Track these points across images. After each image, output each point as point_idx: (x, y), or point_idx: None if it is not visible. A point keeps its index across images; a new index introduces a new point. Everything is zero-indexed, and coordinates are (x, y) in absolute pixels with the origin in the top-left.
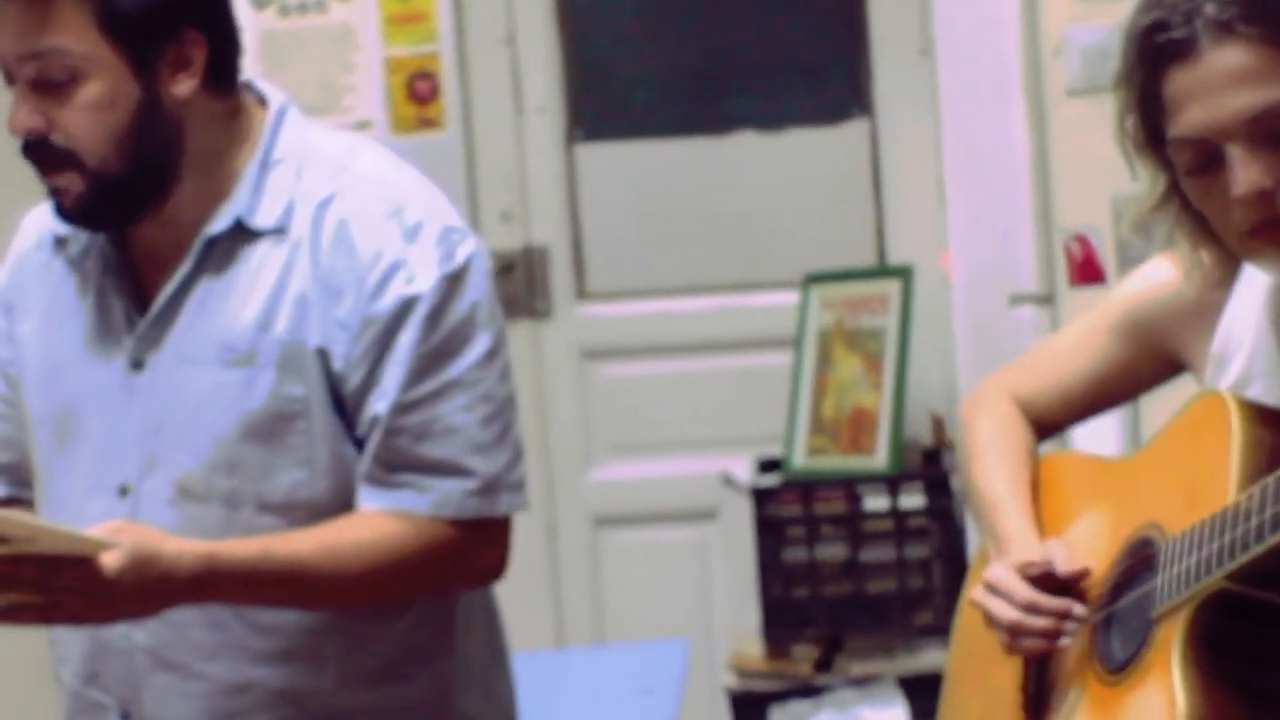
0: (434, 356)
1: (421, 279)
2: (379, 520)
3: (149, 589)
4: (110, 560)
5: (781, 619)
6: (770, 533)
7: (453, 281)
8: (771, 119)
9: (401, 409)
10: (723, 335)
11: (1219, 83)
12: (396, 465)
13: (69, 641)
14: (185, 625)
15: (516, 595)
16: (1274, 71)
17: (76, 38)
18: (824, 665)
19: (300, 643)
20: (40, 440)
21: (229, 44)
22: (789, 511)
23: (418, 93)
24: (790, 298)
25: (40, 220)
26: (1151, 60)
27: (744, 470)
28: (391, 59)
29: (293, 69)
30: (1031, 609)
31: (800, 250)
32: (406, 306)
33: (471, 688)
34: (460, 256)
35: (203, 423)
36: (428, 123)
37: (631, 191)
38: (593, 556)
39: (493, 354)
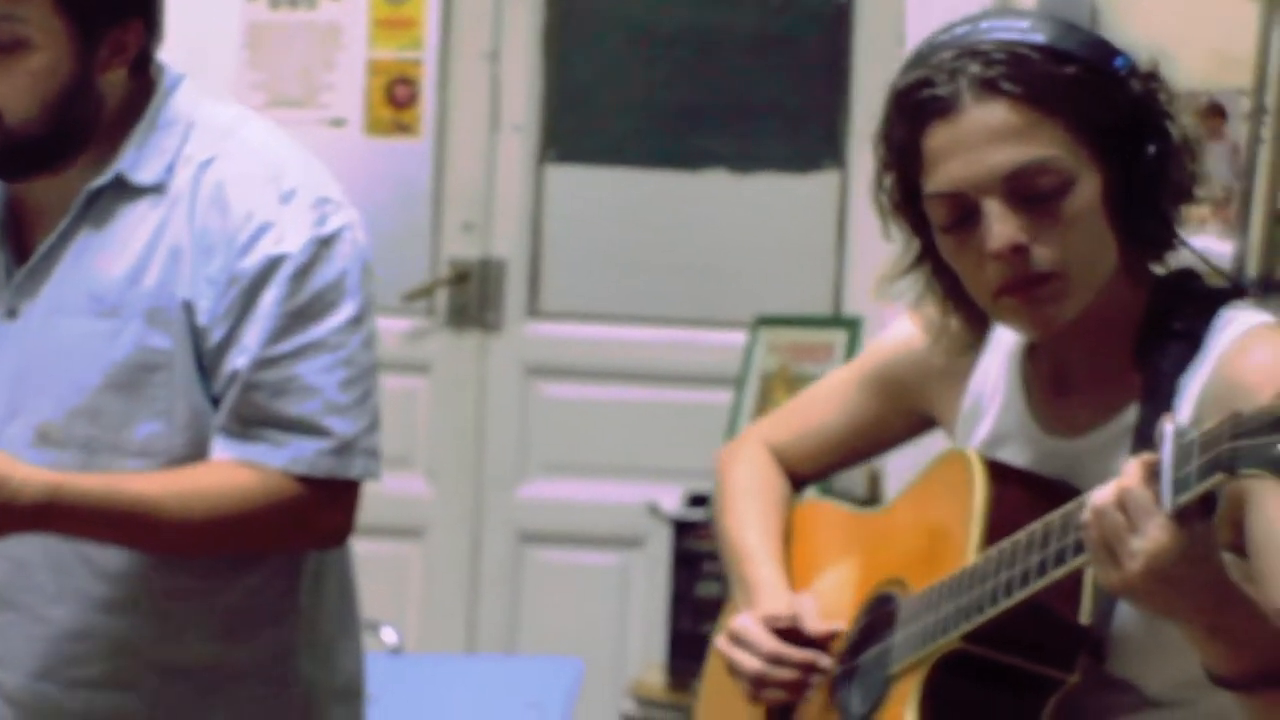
0: (297, 316)
1: (290, 240)
2: (230, 470)
3: None
4: None
5: (687, 652)
6: (687, 566)
7: (322, 245)
8: (744, 161)
9: (261, 364)
10: (669, 367)
11: (979, 139)
12: (253, 419)
13: None
14: (31, 567)
15: (434, 597)
16: (1032, 132)
17: (34, 7)
18: None
19: (143, 592)
20: None
21: (158, 31)
22: (708, 546)
23: (396, 97)
24: (740, 338)
25: None
26: (912, 116)
27: (673, 502)
28: (374, 61)
29: (275, 61)
30: (776, 660)
31: (756, 292)
32: (272, 265)
33: (315, 655)
34: (333, 224)
35: (67, 371)
36: (403, 128)
37: (596, 217)
38: (514, 571)
39: (358, 321)
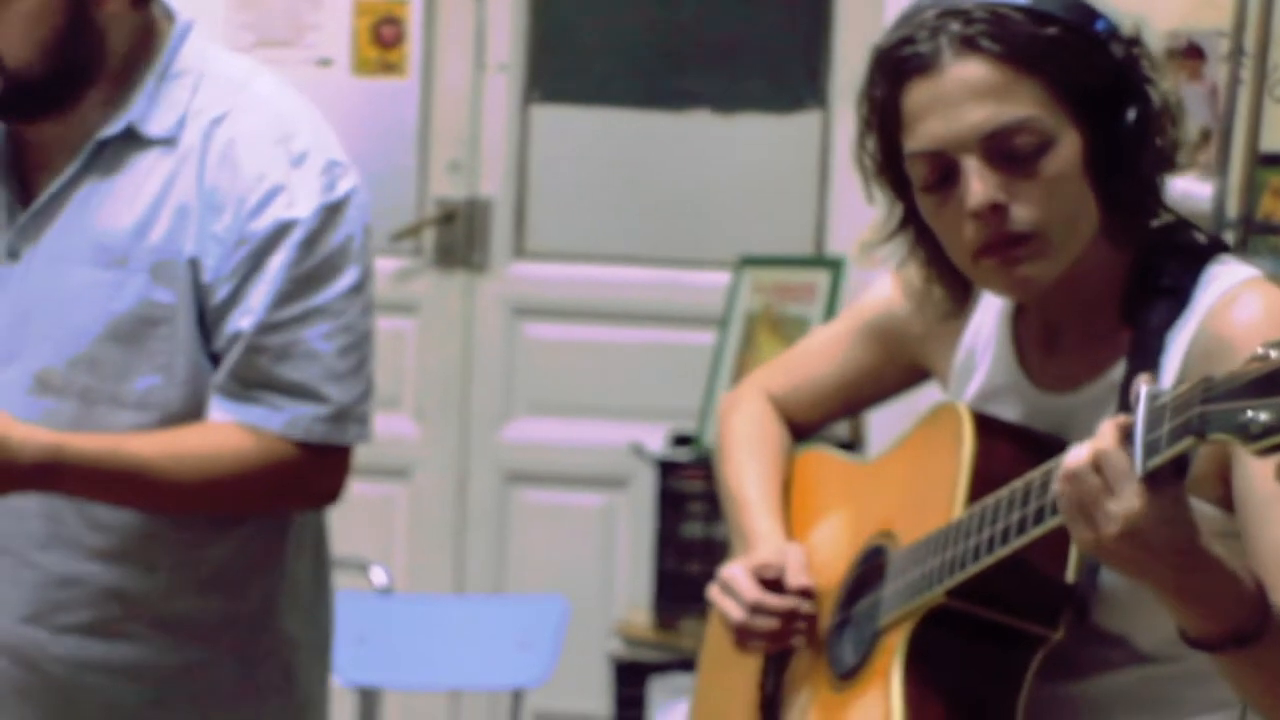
0: (304, 281)
1: (301, 205)
2: (227, 432)
3: None
4: None
5: (673, 592)
6: (672, 506)
7: (331, 211)
8: (728, 101)
9: (266, 328)
10: (653, 308)
11: (958, 96)
12: (253, 382)
13: None
14: (23, 514)
15: (421, 538)
16: (1012, 91)
17: None
18: None
19: (133, 543)
20: None
21: None
22: (692, 487)
23: (383, 37)
24: (724, 278)
25: None
26: (894, 75)
27: (657, 442)
28: (361, 1)
29: (262, 1)
30: (758, 609)
31: (739, 232)
32: (282, 229)
33: (296, 609)
34: (341, 189)
35: (69, 319)
36: (389, 67)
37: (581, 156)
38: (501, 511)
39: (359, 288)
